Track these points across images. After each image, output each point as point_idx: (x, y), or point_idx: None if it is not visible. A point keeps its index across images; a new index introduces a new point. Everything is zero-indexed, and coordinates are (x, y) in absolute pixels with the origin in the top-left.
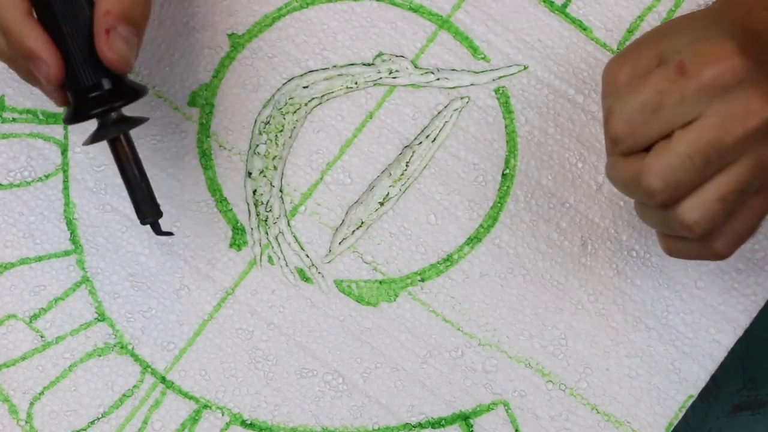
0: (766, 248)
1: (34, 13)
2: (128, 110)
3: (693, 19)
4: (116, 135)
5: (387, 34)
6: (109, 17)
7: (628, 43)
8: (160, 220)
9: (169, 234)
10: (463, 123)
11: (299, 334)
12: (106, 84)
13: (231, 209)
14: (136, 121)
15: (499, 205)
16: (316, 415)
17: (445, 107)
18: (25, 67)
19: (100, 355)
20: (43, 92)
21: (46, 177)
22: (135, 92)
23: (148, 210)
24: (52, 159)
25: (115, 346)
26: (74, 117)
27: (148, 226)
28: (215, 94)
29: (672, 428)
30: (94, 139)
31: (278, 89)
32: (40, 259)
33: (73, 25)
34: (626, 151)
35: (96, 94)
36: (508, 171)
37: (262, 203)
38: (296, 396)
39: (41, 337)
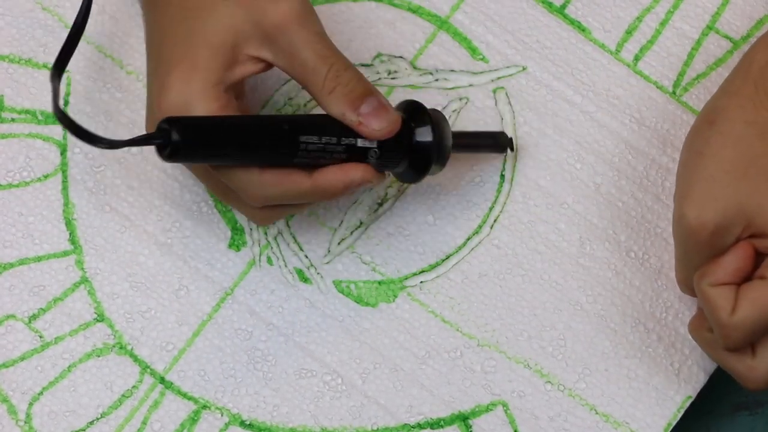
0: None
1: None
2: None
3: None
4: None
5: (386, 35)
6: (349, 114)
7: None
8: None
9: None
10: (461, 123)
11: (298, 335)
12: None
13: (230, 209)
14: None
15: (497, 205)
16: (315, 415)
17: (444, 108)
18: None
19: (99, 356)
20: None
21: (45, 177)
22: (434, 120)
23: (503, 139)
24: (51, 159)
25: (114, 346)
26: (418, 178)
27: (149, 228)
28: None
29: (671, 429)
30: (441, 165)
31: (277, 90)
32: (39, 259)
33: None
34: (734, 349)
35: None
36: (506, 172)
37: None
38: (295, 396)
39: (40, 337)
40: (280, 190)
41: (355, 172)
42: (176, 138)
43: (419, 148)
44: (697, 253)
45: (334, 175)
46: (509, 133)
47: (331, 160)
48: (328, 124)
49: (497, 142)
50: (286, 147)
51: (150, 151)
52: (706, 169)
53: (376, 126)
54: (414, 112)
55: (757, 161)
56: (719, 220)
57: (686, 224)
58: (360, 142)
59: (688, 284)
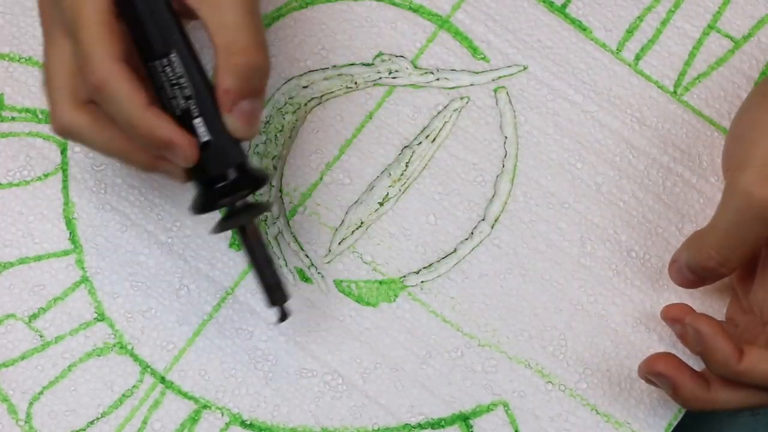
0: None
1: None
2: None
3: None
4: (245, 222)
5: (387, 34)
6: (229, 97)
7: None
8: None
9: (285, 318)
10: (462, 123)
11: (299, 334)
12: (232, 173)
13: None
14: (263, 208)
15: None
16: (316, 415)
17: (445, 107)
18: (145, 159)
19: (99, 355)
20: (166, 175)
21: (46, 176)
22: (258, 180)
23: (278, 296)
24: (51, 158)
25: (114, 346)
26: (203, 208)
27: (149, 228)
28: None
29: (671, 429)
30: (223, 227)
31: (278, 89)
32: (39, 258)
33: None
34: None
35: (223, 184)
36: (506, 170)
37: None
38: (296, 396)
39: (40, 336)
40: (122, 81)
41: (181, 138)
42: None
43: (221, 191)
44: (752, 228)
45: (168, 123)
46: (509, 133)
47: (161, 105)
48: (195, 76)
49: (271, 293)
50: (160, 39)
51: None
52: None
53: (241, 123)
54: (249, 181)
55: None
56: None
57: (757, 201)
58: (197, 123)
59: (722, 254)
